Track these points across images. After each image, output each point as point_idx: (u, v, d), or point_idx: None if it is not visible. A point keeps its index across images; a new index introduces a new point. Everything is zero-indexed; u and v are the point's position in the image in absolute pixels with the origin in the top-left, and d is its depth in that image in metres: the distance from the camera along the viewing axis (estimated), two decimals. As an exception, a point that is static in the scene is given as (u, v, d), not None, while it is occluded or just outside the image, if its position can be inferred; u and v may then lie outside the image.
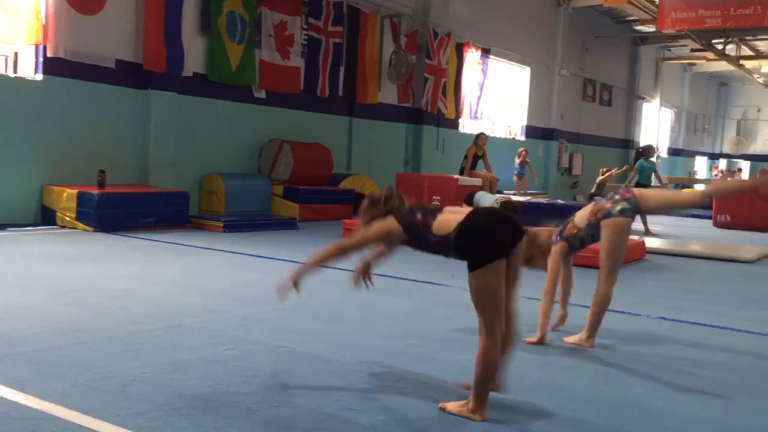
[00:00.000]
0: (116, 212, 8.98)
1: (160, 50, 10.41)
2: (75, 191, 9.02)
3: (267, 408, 3.14)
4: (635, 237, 9.77)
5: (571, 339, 4.63)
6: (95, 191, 8.96)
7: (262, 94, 12.41)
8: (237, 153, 12.09)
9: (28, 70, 9.36)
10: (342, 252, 3.38)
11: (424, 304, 5.68)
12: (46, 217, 9.27)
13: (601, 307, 4.55)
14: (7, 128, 9.01)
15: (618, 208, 4.48)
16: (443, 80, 16.23)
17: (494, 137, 18.26)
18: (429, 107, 15.79)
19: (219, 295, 5.57)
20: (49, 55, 9.27)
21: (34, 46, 9.25)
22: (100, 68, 9.80)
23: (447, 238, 3.15)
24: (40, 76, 9.37)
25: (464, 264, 3.15)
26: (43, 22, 9.14)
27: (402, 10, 14.99)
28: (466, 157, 13.15)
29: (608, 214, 4.48)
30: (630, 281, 7.06)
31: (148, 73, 10.41)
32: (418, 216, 3.28)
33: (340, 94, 13.81)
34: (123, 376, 3.46)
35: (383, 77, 14.78)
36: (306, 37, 13.02)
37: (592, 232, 4.59)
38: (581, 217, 4.66)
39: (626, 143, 26.97)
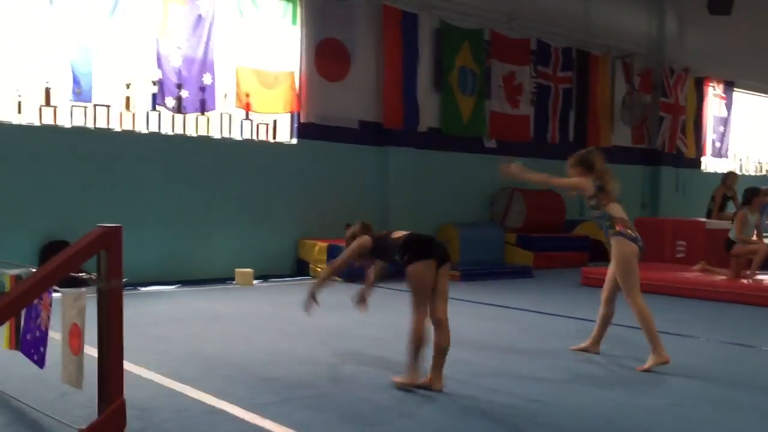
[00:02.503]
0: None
1: (398, 109, 11.05)
2: (325, 244, 9.77)
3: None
4: None
5: None
6: (343, 244, 9.60)
7: (492, 144, 12.61)
8: (470, 202, 12.34)
9: (285, 135, 10.39)
10: (337, 269, 4.94)
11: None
12: (301, 268, 10.11)
13: None
14: (268, 188, 10.04)
15: None
16: (682, 118, 15.35)
17: (744, 175, 16.80)
18: (666, 147, 14.99)
19: (465, 342, 5.68)
20: (302, 120, 10.24)
21: (289, 114, 10.28)
22: (345, 129, 10.64)
23: (399, 241, 4.41)
24: (295, 140, 10.37)
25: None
26: (297, 91, 10.15)
27: (634, 50, 14.51)
28: (713, 198, 12.24)
29: None
30: None
31: (387, 131, 11.07)
32: (383, 233, 4.69)
33: (571, 139, 13.61)
34: (388, 424, 3.65)
35: (616, 119, 14.33)
36: (535, 85, 13.08)
37: None
38: None
39: None
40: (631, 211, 14.28)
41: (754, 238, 9.26)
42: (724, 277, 8.98)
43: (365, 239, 4.55)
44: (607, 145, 14.10)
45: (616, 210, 5.17)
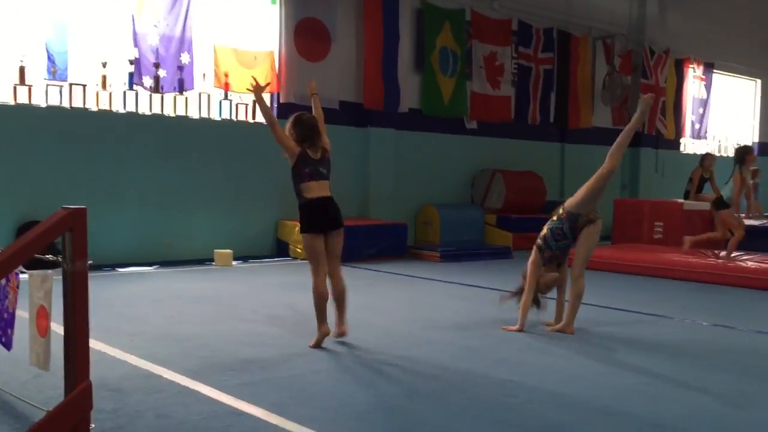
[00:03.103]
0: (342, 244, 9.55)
1: (379, 90, 10.99)
2: (305, 225, 9.74)
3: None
4: None
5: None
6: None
7: (473, 125, 12.60)
8: (450, 184, 12.35)
9: (264, 115, 10.31)
10: (272, 121, 5.04)
11: None
12: (281, 249, 10.09)
13: None
14: (248, 168, 9.97)
15: None
16: (662, 99, 15.41)
17: (722, 157, 16.94)
18: (646, 128, 15.05)
19: (442, 326, 5.72)
20: (281, 101, 10.17)
21: (269, 94, 10.20)
22: (325, 110, 10.43)
23: (304, 199, 4.97)
24: (274, 121, 10.29)
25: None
26: (276, 71, 10.07)
27: (615, 31, 14.51)
28: (691, 179, 12.32)
29: None
30: None
31: (367, 111, 11.02)
32: (306, 169, 4.95)
33: (552, 120, 13.64)
34: (365, 403, 3.68)
35: (596, 101, 14.37)
36: (516, 66, 13.06)
37: None
38: None
39: None
40: (613, 192, 14.47)
41: (739, 216, 9.32)
42: (715, 250, 9.14)
43: (293, 151, 4.99)
44: (588, 126, 14.16)
45: None
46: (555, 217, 5.68)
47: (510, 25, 12.88)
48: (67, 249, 2.28)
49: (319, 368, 4.36)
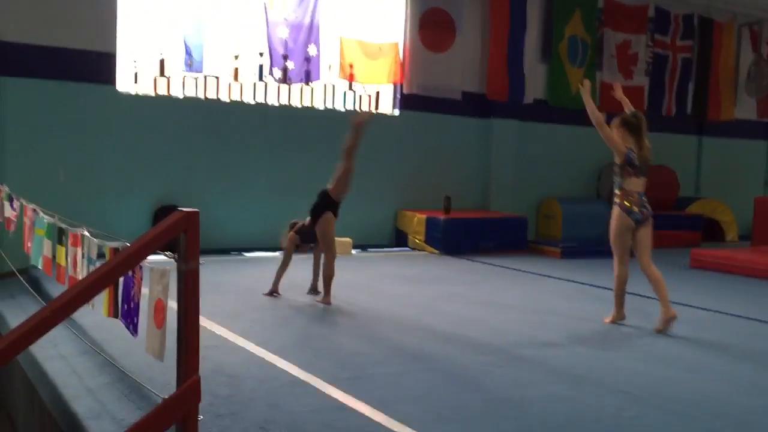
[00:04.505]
0: (460, 236, 9.53)
1: (503, 80, 10.81)
2: (424, 216, 9.78)
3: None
4: None
5: None
6: (442, 216, 9.62)
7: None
8: (575, 177, 11.98)
9: (387, 106, 10.41)
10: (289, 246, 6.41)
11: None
12: (400, 239, 10.19)
13: None
14: (369, 159, 10.09)
15: None
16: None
17: None
18: (795, 120, 13.94)
19: (557, 327, 5.57)
20: (405, 92, 10.22)
21: (392, 85, 10.28)
22: (448, 101, 10.53)
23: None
24: (397, 111, 10.38)
25: None
26: (401, 62, 10.13)
27: (764, 16, 13.49)
28: None
29: None
30: None
31: (491, 102, 10.88)
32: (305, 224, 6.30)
33: (689, 112, 12.91)
34: (469, 408, 3.66)
35: (740, 91, 13.44)
36: (651, 55, 12.44)
37: None
38: None
39: None
40: (754, 189, 13.54)
41: None
42: None
43: (293, 237, 6.38)
44: (729, 118, 13.30)
45: (632, 183, 5.65)
46: None
47: (646, 12, 12.27)
48: (181, 249, 2.41)
49: (427, 366, 4.38)
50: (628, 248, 5.68)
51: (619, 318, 5.75)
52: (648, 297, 6.38)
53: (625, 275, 5.70)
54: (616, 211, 5.66)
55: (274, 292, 6.37)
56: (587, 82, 6.05)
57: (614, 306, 5.77)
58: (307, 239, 6.37)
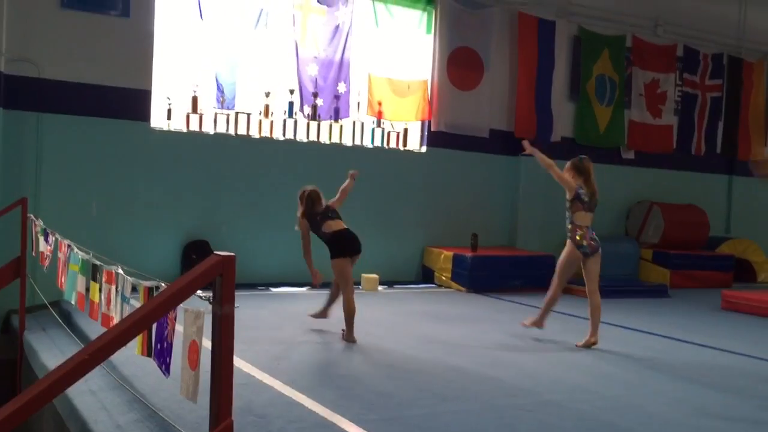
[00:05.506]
0: (487, 274, 9.49)
1: (531, 118, 10.85)
2: (451, 253, 9.77)
3: None
4: None
5: None
6: (468, 254, 9.60)
7: (630, 155, 12.11)
8: (604, 215, 11.86)
9: (415, 143, 10.48)
10: (304, 240, 6.43)
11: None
12: (426, 276, 10.17)
13: None
14: (397, 195, 10.16)
15: None
16: None
17: None
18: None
19: (586, 370, 5.50)
20: (433, 129, 10.29)
21: (420, 122, 10.36)
22: (475, 138, 10.57)
23: (328, 235, 6.19)
24: (424, 148, 10.44)
25: None
26: (429, 100, 10.22)
27: (794, 55, 13.43)
28: None
29: None
30: None
31: (518, 140, 10.87)
32: (318, 217, 6.27)
33: (718, 151, 12.83)
34: (498, 453, 3.61)
35: (771, 130, 13.34)
36: (680, 94, 12.41)
37: None
38: None
39: None
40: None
41: None
42: None
43: (303, 222, 6.38)
44: (760, 158, 13.18)
45: (581, 218, 6.33)
46: None
47: (675, 51, 12.29)
48: (217, 293, 2.43)
49: (455, 409, 4.34)
50: (569, 276, 6.59)
51: (538, 325, 6.64)
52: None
53: (558, 297, 6.64)
54: (568, 243, 6.38)
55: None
56: (526, 143, 6.94)
57: (539, 314, 6.68)
58: (315, 228, 6.33)
